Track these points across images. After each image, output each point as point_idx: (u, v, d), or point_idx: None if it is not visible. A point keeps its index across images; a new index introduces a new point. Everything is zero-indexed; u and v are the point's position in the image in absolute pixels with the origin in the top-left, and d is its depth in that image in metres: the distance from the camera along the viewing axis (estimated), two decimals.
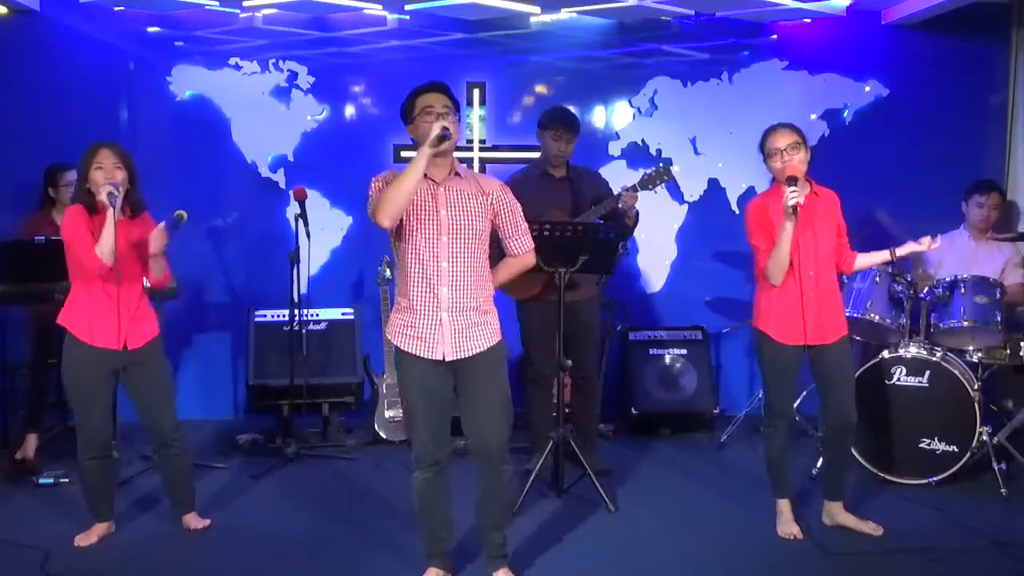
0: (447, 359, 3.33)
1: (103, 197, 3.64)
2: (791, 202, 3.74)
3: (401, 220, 3.29)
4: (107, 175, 3.69)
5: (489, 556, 3.58)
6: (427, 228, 3.31)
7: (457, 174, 3.39)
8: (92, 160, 3.72)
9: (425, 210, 3.31)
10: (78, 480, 4.05)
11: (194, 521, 4.07)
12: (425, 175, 3.29)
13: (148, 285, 3.95)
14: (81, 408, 3.84)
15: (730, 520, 4.31)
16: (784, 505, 4.11)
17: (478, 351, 3.36)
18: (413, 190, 3.21)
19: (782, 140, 3.89)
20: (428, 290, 3.32)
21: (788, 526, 4.07)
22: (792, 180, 3.80)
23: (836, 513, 4.15)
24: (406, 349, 3.37)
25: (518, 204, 3.50)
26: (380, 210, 3.20)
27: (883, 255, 4.15)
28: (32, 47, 5.68)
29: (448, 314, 3.32)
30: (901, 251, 4.12)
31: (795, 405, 4.18)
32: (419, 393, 3.37)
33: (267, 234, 5.95)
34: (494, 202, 3.42)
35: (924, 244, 4.09)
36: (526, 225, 3.53)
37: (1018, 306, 5.00)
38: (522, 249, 3.53)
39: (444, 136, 3.20)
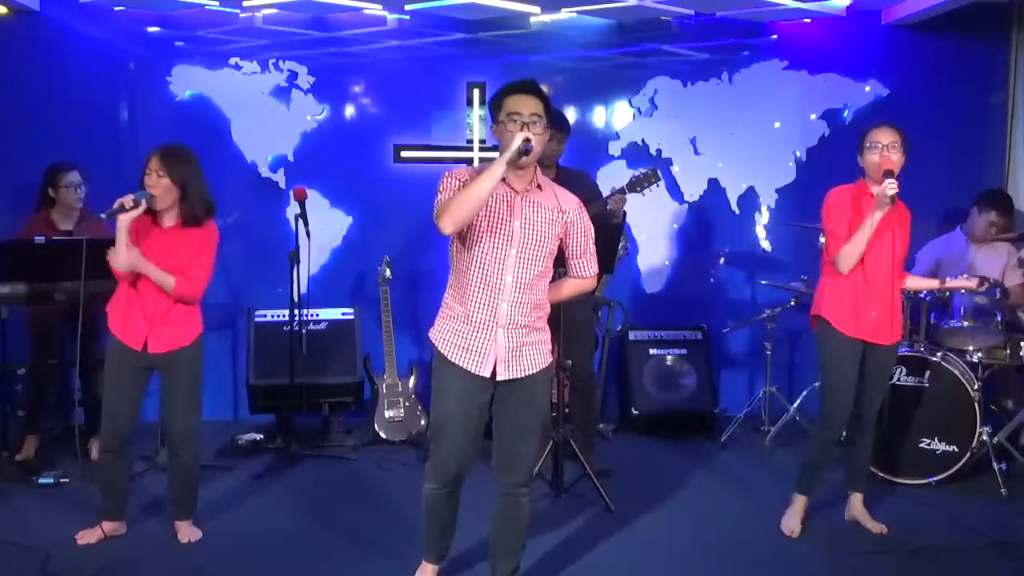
0: (498, 378, 3.18)
1: (112, 208, 3.68)
2: (891, 191, 3.75)
3: (471, 226, 3.13)
4: (150, 182, 3.73)
5: None
6: (498, 238, 3.14)
7: (539, 186, 3.21)
8: (145, 166, 3.77)
9: (499, 219, 3.14)
10: (97, 474, 4.05)
11: (185, 531, 4.03)
12: (505, 181, 3.14)
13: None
14: (106, 398, 3.88)
15: (729, 519, 4.31)
16: (801, 501, 4.13)
17: (528, 373, 3.21)
18: (486, 199, 3.04)
19: (886, 136, 3.92)
20: (489, 303, 3.15)
21: (791, 521, 4.09)
22: (889, 173, 3.82)
23: (853, 504, 4.19)
24: (452, 359, 3.20)
25: (592, 226, 3.33)
26: (447, 214, 3.02)
27: (932, 283, 4.31)
28: (32, 47, 5.67)
29: (505, 330, 3.16)
30: (951, 284, 4.29)
31: (851, 405, 4.06)
32: (454, 406, 3.21)
33: (267, 234, 5.95)
34: (569, 220, 3.24)
35: (974, 284, 4.30)
36: (595, 249, 3.35)
37: (1019, 308, 4.99)
38: (586, 272, 3.35)
39: (526, 151, 3.04)
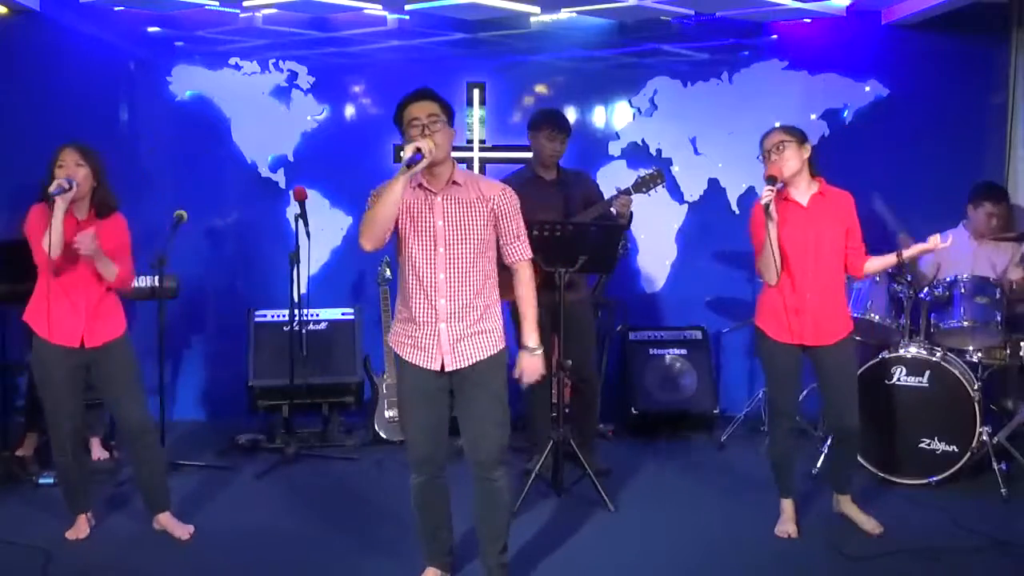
0: (446, 369, 3.30)
1: (51, 189, 3.68)
2: (763, 201, 3.79)
3: (398, 231, 3.27)
4: (67, 173, 3.75)
5: (486, 567, 3.47)
6: (424, 239, 3.26)
7: (455, 182, 3.29)
8: (56, 160, 3.79)
9: (422, 221, 3.26)
10: (56, 477, 4.06)
11: (174, 526, 4.03)
12: (422, 185, 3.27)
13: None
14: (48, 405, 3.87)
15: (729, 520, 4.31)
16: (786, 504, 4.12)
17: (477, 360, 3.31)
18: (392, 215, 3.17)
19: (769, 141, 3.93)
20: (426, 301, 3.28)
21: (784, 525, 4.08)
22: (770, 180, 3.82)
23: (842, 502, 4.20)
24: (406, 358, 3.35)
25: (519, 206, 3.39)
26: (362, 234, 3.20)
27: (890, 259, 4.08)
28: (32, 47, 5.68)
29: (447, 324, 3.28)
30: (908, 253, 4.08)
31: (796, 404, 4.14)
32: (417, 400, 3.35)
33: (267, 234, 5.95)
34: (495, 207, 3.31)
35: (932, 243, 4.01)
36: (525, 233, 3.42)
37: (1020, 301, 4.98)
38: (522, 256, 3.40)
39: (413, 160, 3.11)
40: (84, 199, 3.84)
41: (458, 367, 3.30)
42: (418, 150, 3.12)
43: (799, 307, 3.91)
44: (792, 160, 3.88)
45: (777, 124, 4.00)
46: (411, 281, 3.29)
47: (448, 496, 3.48)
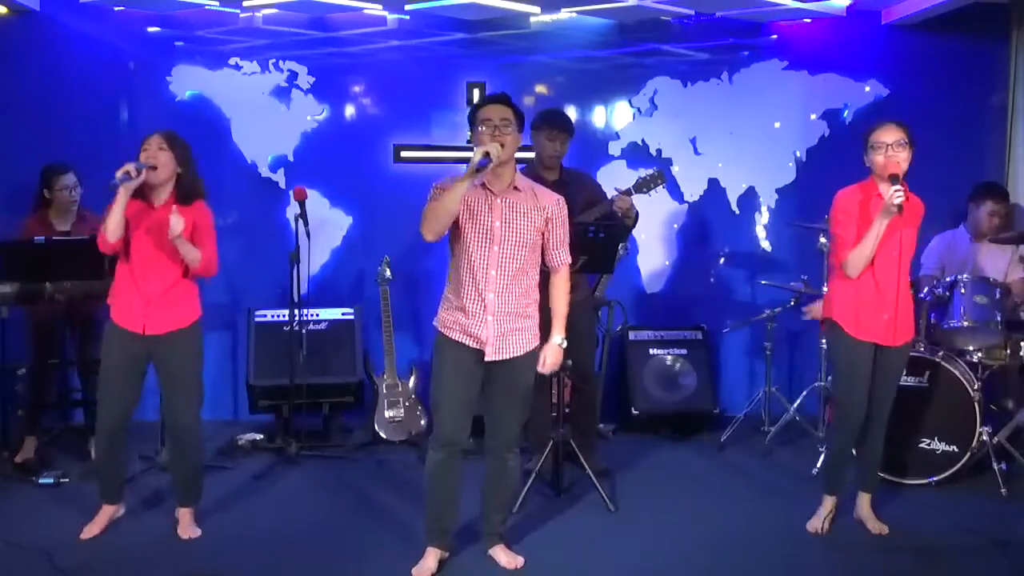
0: (487, 359, 3.54)
1: (118, 176, 3.67)
2: (897, 200, 3.70)
3: (458, 226, 3.49)
4: (150, 155, 3.76)
5: (487, 534, 3.79)
6: (480, 237, 3.50)
7: (516, 187, 3.54)
8: (142, 147, 3.80)
9: (480, 220, 3.50)
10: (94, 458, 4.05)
11: (185, 525, 4.04)
12: (484, 186, 3.50)
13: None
14: (102, 385, 3.88)
15: (729, 519, 4.31)
16: (828, 501, 4.13)
17: (516, 355, 3.56)
18: (454, 211, 3.41)
19: (890, 135, 3.85)
20: (477, 294, 3.51)
21: (815, 520, 4.11)
22: (895, 178, 3.76)
23: (860, 504, 4.19)
24: (454, 338, 3.55)
25: (567, 217, 3.67)
26: (423, 226, 3.43)
27: None
28: (32, 47, 5.68)
29: (494, 317, 3.52)
30: None
31: (865, 404, 4.07)
32: (452, 375, 3.55)
33: (267, 234, 5.95)
34: (549, 216, 3.57)
35: None
36: (568, 241, 3.68)
37: (1020, 306, 4.98)
38: (562, 261, 3.66)
39: (482, 165, 3.35)
40: (164, 185, 3.81)
41: (498, 359, 3.54)
42: (487, 154, 3.35)
43: (883, 306, 3.90)
44: (907, 162, 3.84)
45: (892, 123, 3.90)
46: (465, 275, 3.53)
47: (460, 479, 3.66)
